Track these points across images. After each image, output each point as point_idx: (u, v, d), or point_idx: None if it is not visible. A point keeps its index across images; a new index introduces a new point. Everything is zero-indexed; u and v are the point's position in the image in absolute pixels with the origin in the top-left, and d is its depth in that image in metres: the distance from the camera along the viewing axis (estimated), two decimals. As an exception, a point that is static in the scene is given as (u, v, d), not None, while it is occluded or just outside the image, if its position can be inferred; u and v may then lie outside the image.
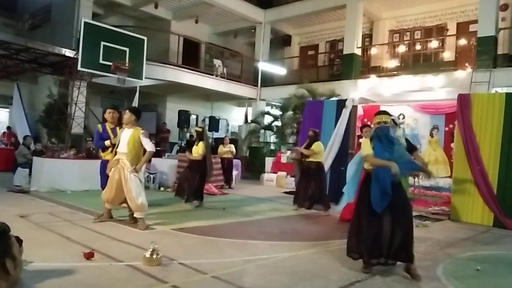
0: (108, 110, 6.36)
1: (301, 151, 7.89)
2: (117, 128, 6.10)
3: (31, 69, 13.33)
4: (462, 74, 11.73)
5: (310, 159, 7.83)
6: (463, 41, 13.47)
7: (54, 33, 13.38)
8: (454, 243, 5.80)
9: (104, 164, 6.01)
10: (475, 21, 12.55)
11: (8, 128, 14.78)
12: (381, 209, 3.94)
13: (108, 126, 6.21)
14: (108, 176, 5.75)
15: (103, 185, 5.99)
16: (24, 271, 3.46)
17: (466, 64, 12.00)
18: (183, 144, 13.80)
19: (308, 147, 7.91)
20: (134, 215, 5.62)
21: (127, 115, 5.67)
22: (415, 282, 3.89)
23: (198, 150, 7.84)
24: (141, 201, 5.50)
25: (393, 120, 4.66)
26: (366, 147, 4.20)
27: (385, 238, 3.99)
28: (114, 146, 5.81)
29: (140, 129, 5.64)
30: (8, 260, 1.19)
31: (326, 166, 9.46)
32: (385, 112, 4.36)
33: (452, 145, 9.27)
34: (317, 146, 7.80)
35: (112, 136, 6.09)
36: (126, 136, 5.59)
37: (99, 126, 6.32)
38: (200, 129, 8.13)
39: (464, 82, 11.30)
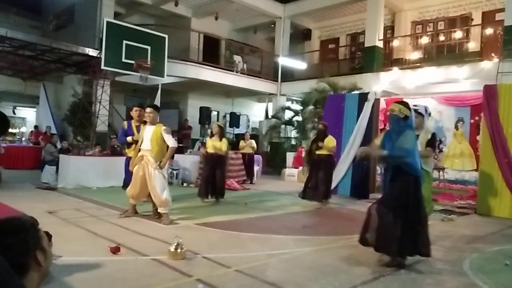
0: (135, 108, 6.50)
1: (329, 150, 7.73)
2: (142, 126, 6.21)
3: (56, 69, 13.65)
4: (488, 64, 11.40)
5: (321, 152, 7.73)
6: (489, 31, 13.07)
7: (78, 33, 13.66)
8: (481, 237, 5.68)
9: (129, 161, 6.13)
10: (502, 10, 12.16)
11: (36, 127, 15.20)
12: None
13: (134, 123, 6.32)
14: (131, 173, 5.87)
15: (127, 181, 6.11)
16: (53, 265, 3.57)
17: (492, 54, 11.66)
18: (204, 141, 13.91)
19: (317, 140, 7.85)
20: (158, 210, 5.71)
21: (152, 114, 5.75)
22: (441, 276, 3.83)
23: (222, 146, 7.77)
24: (165, 196, 5.58)
25: (415, 110, 4.54)
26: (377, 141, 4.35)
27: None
28: (137, 142, 5.91)
29: (162, 126, 5.72)
30: (39, 252, 1.23)
31: (348, 161, 9.41)
32: (396, 102, 4.18)
33: (478, 137, 9.05)
34: (331, 141, 7.69)
35: (136, 133, 6.20)
36: (149, 133, 5.68)
37: (125, 123, 6.47)
38: (222, 125, 8.16)
39: (490, 73, 10.98)
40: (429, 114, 4.41)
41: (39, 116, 15.81)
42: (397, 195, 3.98)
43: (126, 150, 6.44)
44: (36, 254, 1.26)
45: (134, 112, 6.42)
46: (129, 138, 6.19)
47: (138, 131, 6.22)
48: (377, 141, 4.27)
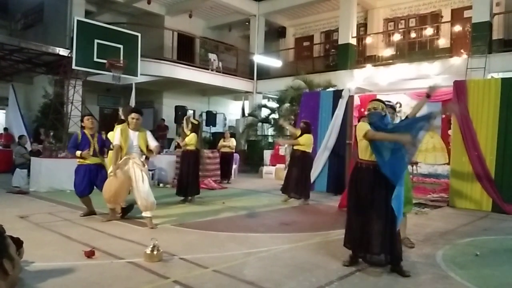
0: (86, 117, 6.37)
1: (286, 143, 7.92)
2: (96, 134, 6.14)
3: (26, 69, 13.27)
4: (458, 60, 11.71)
5: (297, 148, 7.92)
6: (458, 28, 13.44)
7: (47, 32, 13.30)
8: (453, 229, 5.83)
9: (81, 169, 6.05)
10: (470, 7, 12.51)
11: (5, 129, 14.73)
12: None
13: (88, 132, 6.17)
14: (88, 181, 5.94)
15: (80, 190, 6.04)
16: (26, 271, 3.49)
17: (462, 51, 11.98)
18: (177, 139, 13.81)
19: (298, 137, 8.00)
20: (143, 214, 5.54)
21: (140, 119, 5.64)
22: (414, 269, 3.91)
23: (190, 140, 7.71)
24: (152, 199, 5.48)
25: (390, 106, 4.56)
26: (363, 126, 3.98)
27: (370, 232, 3.83)
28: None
29: (146, 130, 5.72)
30: (6, 261, 1.19)
31: (324, 157, 9.51)
32: (376, 100, 4.14)
33: (450, 132, 9.28)
34: (304, 138, 7.83)
35: (92, 141, 6.09)
36: (135, 138, 5.59)
37: (78, 133, 6.28)
38: (196, 122, 8.09)
39: (460, 69, 11.28)
40: (394, 110, 4.51)
41: (9, 118, 15.32)
42: (386, 199, 3.81)
43: (82, 160, 6.23)
44: (3, 263, 1.22)
45: (87, 121, 6.27)
46: (78, 153, 6.03)
47: (93, 139, 6.13)
48: (363, 126, 3.96)
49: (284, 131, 14.53)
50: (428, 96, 4.13)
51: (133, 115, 5.64)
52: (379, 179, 3.81)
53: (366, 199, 3.86)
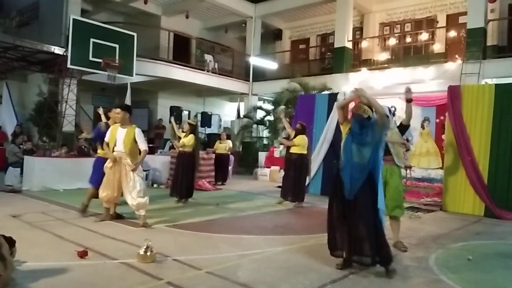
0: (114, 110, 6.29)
1: (281, 141, 7.96)
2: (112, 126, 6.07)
3: (20, 67, 13.18)
4: (452, 66, 11.78)
5: (292, 151, 7.93)
6: (452, 33, 13.53)
7: (43, 31, 13.22)
8: (446, 234, 5.87)
9: (99, 161, 5.99)
10: (465, 13, 12.60)
11: (-1, 127, 14.63)
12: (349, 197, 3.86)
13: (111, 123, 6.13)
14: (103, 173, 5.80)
15: (94, 181, 5.99)
16: (18, 271, 3.45)
17: (456, 56, 12.05)
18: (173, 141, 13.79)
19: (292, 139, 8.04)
20: (136, 212, 5.51)
21: (120, 114, 5.59)
22: (407, 273, 3.93)
23: (188, 141, 7.70)
24: (143, 200, 5.44)
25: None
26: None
27: (356, 234, 3.83)
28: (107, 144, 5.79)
29: (135, 127, 5.61)
30: (-2, 261, 1.19)
31: (319, 160, 9.53)
32: (360, 102, 4.20)
33: (443, 136, 9.34)
34: (298, 139, 7.88)
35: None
36: (121, 134, 5.54)
37: (103, 123, 6.30)
38: (193, 123, 8.09)
39: (454, 74, 11.35)
40: (393, 114, 4.53)
41: (2, 116, 15.22)
42: (371, 198, 3.85)
43: (99, 152, 6.23)
44: (-5, 263, 1.21)
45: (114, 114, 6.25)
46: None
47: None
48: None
49: (279, 133, 14.57)
50: (409, 100, 4.27)
51: (115, 110, 5.75)
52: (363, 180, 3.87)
53: (349, 200, 3.88)
